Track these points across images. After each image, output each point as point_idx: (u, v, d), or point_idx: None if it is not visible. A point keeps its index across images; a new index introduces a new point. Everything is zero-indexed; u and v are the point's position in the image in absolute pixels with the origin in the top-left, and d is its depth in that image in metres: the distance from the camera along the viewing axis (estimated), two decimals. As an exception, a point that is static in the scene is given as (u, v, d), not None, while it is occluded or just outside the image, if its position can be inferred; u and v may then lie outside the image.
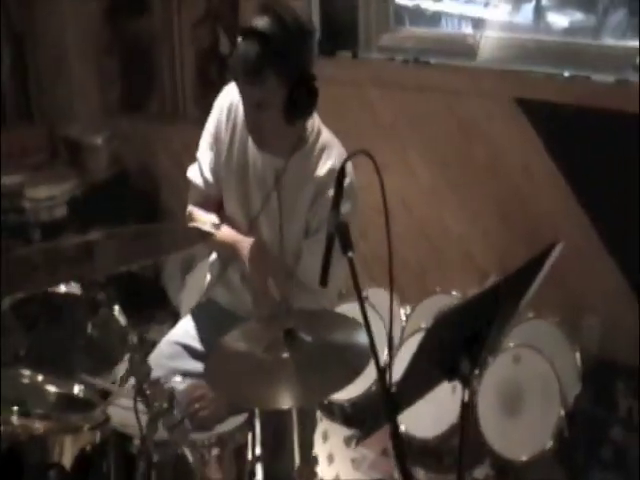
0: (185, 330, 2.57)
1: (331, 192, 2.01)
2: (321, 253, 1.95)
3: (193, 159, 2.49)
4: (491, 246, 3.63)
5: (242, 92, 2.18)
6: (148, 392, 1.99)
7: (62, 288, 2.75)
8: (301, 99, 2.14)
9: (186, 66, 4.20)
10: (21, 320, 2.66)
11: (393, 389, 1.81)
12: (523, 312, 2.83)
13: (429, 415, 3.25)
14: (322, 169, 2.28)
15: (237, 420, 2.22)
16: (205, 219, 2.40)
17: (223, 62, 4.00)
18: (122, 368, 2.66)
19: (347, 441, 3.57)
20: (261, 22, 2.09)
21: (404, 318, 3.75)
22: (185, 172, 2.51)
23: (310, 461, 2.31)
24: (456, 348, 1.89)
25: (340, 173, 1.82)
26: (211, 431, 2.17)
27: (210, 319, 2.54)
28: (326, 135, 2.35)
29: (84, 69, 4.46)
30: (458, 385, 3.28)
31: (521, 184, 3.51)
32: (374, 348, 1.73)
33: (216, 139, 2.41)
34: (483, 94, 3.43)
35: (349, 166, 2.15)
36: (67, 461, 2.07)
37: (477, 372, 1.97)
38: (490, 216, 3.60)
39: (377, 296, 3.64)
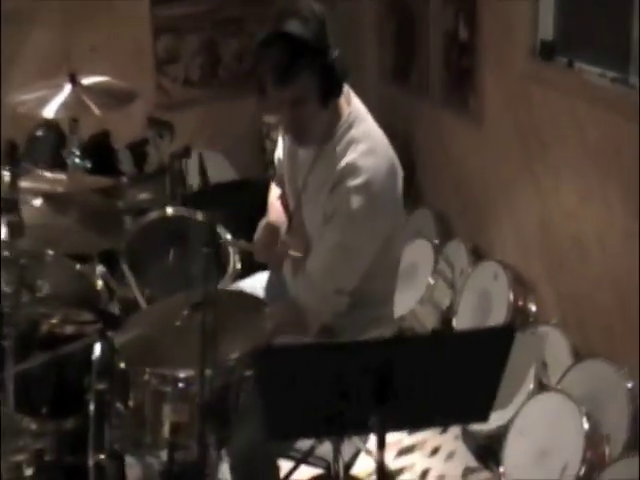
0: (255, 281, 2.70)
1: (348, 182, 2.17)
2: (326, 244, 2.22)
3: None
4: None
5: (275, 96, 2.18)
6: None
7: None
8: (332, 81, 2.17)
9: (434, 47, 4.13)
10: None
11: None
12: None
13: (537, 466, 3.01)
14: (342, 163, 2.24)
15: None
16: (273, 193, 2.62)
17: (463, 48, 3.92)
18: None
19: (466, 472, 3.27)
20: (286, 25, 2.10)
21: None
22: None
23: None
24: (360, 396, 1.73)
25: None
26: None
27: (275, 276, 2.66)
28: (358, 130, 2.27)
29: (369, 33, 4.67)
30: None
31: None
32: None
33: None
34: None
35: (371, 163, 2.21)
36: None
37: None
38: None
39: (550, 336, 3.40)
